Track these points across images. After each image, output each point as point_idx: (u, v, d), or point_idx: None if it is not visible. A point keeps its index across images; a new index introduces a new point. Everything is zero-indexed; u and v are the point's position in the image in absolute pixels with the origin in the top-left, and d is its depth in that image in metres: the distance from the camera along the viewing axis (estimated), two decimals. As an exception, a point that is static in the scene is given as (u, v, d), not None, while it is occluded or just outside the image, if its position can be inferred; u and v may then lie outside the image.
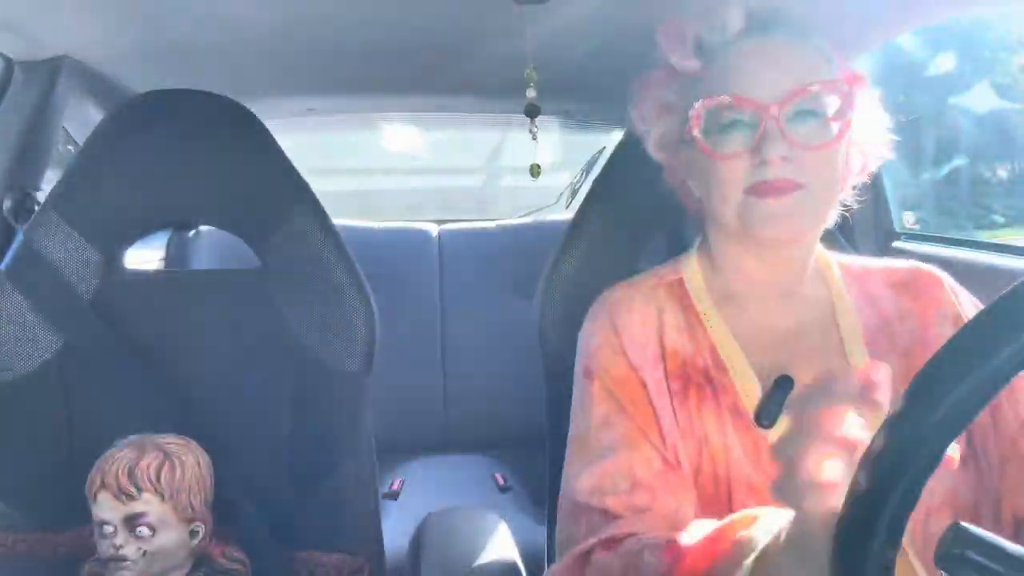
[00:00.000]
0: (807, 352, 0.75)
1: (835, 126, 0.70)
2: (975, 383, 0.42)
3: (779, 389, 0.70)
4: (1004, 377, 0.42)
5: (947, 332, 0.75)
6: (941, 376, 0.43)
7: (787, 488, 0.49)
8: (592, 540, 0.68)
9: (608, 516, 0.70)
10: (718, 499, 0.71)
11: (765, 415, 0.69)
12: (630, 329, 0.77)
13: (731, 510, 0.65)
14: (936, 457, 0.42)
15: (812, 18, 0.74)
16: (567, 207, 2.34)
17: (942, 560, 0.41)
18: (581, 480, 0.73)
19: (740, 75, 0.71)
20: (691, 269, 0.81)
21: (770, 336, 0.76)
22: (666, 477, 0.71)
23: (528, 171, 0.98)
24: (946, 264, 1.20)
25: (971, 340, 0.43)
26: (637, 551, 0.63)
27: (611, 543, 0.67)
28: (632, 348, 0.76)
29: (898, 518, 0.43)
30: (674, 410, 0.73)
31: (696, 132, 0.72)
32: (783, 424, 0.68)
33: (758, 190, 0.69)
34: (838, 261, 0.82)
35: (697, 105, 0.72)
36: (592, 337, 0.79)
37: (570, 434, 0.79)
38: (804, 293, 0.78)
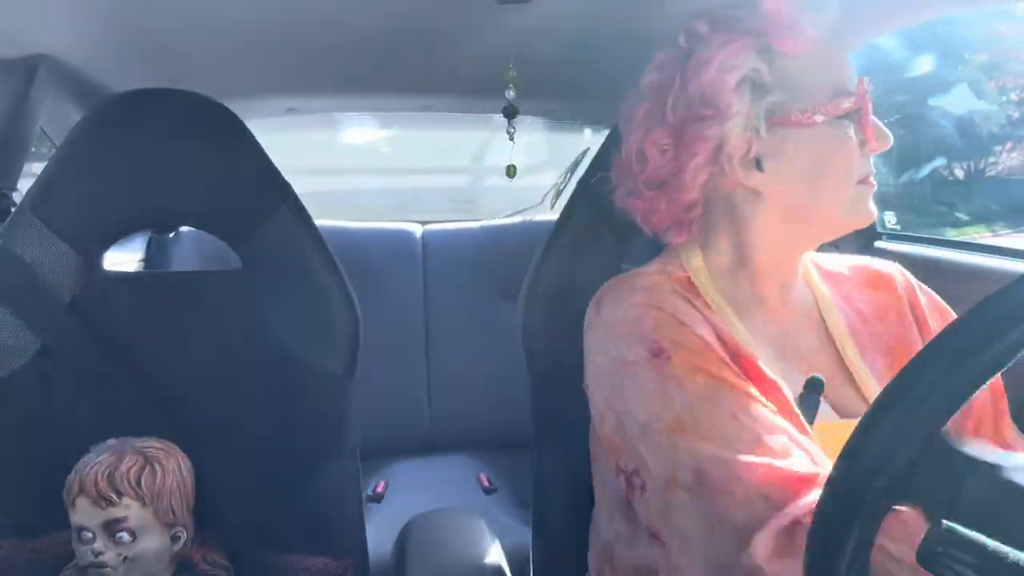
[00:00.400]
0: (805, 352, 0.76)
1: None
2: (944, 393, 0.43)
3: (813, 390, 0.69)
4: (972, 388, 0.42)
5: (915, 332, 0.77)
6: (913, 384, 0.44)
7: None
8: (799, 508, 0.59)
9: (772, 469, 0.62)
10: None
11: (806, 417, 0.68)
12: (677, 306, 0.72)
13: None
14: (910, 462, 0.43)
15: None
16: (551, 207, 2.35)
17: (924, 558, 0.42)
18: (707, 452, 0.64)
19: (844, 67, 0.73)
20: (695, 268, 0.78)
21: (774, 338, 0.76)
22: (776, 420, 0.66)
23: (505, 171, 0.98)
24: (927, 263, 1.22)
25: (942, 351, 0.44)
26: None
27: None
28: (690, 322, 0.71)
29: (871, 519, 0.43)
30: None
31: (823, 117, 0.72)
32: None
33: (867, 181, 0.73)
34: (812, 260, 0.83)
35: (855, 89, 0.72)
36: (642, 318, 0.72)
37: (655, 421, 0.68)
38: (794, 294, 0.78)
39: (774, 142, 0.73)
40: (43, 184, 0.99)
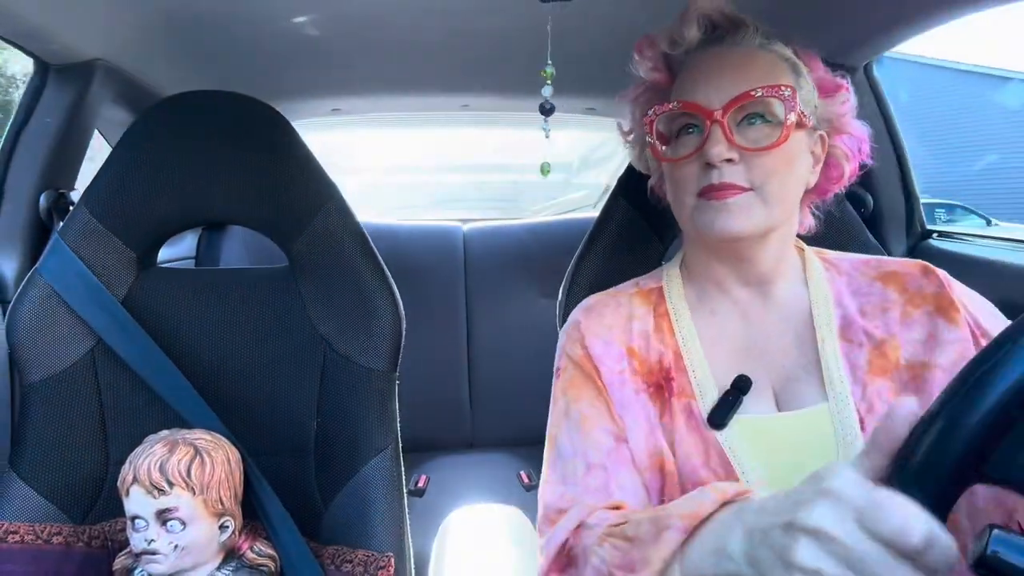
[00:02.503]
0: (777, 352, 0.77)
1: (779, 130, 0.72)
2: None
3: (734, 393, 0.74)
4: None
5: (927, 324, 0.74)
6: (985, 372, 0.43)
7: None
8: (563, 536, 0.69)
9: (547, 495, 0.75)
10: (670, 493, 0.73)
11: (717, 417, 0.73)
12: (595, 328, 0.80)
13: None
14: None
15: (827, 14, 0.74)
16: (593, 206, 2.34)
17: (978, 563, 0.41)
18: (552, 487, 0.76)
19: (692, 84, 0.74)
20: (670, 277, 0.84)
21: (741, 339, 0.78)
22: (618, 453, 0.74)
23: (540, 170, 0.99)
24: (981, 264, 1.18)
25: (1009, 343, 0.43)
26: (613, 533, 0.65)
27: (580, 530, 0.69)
28: (594, 343, 0.79)
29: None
30: (632, 399, 0.76)
31: (649, 138, 0.77)
32: (735, 427, 0.72)
33: (706, 193, 0.72)
34: (821, 256, 0.83)
35: (650, 112, 0.76)
36: (561, 340, 0.84)
37: (547, 430, 0.82)
38: (780, 293, 0.79)
39: (661, 169, 0.82)
40: (100, 184, 1.03)
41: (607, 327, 0.80)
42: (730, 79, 0.72)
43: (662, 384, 0.76)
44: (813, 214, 0.84)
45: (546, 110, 0.89)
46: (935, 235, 1.38)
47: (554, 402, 0.81)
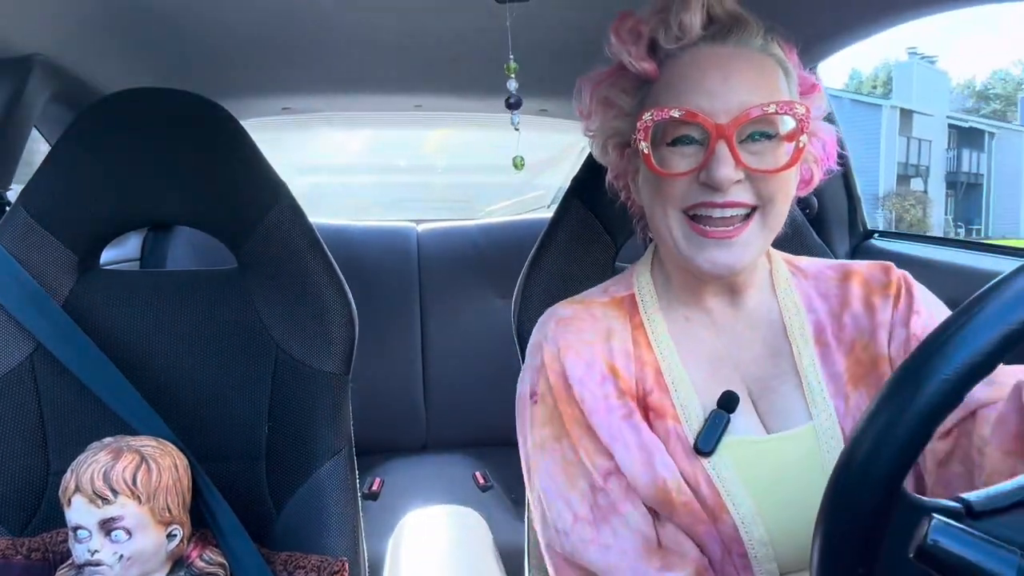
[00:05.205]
0: (751, 362, 0.74)
1: (789, 147, 0.67)
2: (955, 374, 0.43)
3: (719, 416, 0.70)
4: (983, 370, 0.43)
5: (890, 321, 0.74)
6: (924, 366, 0.44)
7: None
8: None
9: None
10: (666, 521, 0.70)
11: (704, 442, 0.69)
12: (574, 345, 0.74)
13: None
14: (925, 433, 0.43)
15: (783, 14, 0.73)
16: (547, 206, 2.36)
17: (918, 553, 0.42)
18: (543, 528, 0.73)
19: (694, 87, 0.66)
20: (643, 282, 0.79)
21: (714, 349, 0.75)
22: (609, 493, 0.70)
23: (512, 164, 0.97)
24: (919, 263, 1.22)
25: (950, 334, 0.44)
26: None
27: None
28: (574, 364, 0.73)
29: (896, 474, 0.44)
30: (620, 426, 0.70)
31: (643, 145, 0.68)
32: (722, 452, 0.69)
33: (703, 208, 0.67)
34: (789, 261, 0.80)
35: (646, 117, 0.67)
36: (535, 356, 0.77)
37: (521, 453, 0.77)
38: (749, 301, 0.76)
39: (635, 165, 0.75)
40: (38, 183, 0.99)
41: (587, 343, 0.73)
42: (737, 88, 0.65)
43: (647, 407, 0.72)
44: None
45: (511, 104, 0.87)
46: (876, 235, 1.43)
47: (529, 429, 0.75)
